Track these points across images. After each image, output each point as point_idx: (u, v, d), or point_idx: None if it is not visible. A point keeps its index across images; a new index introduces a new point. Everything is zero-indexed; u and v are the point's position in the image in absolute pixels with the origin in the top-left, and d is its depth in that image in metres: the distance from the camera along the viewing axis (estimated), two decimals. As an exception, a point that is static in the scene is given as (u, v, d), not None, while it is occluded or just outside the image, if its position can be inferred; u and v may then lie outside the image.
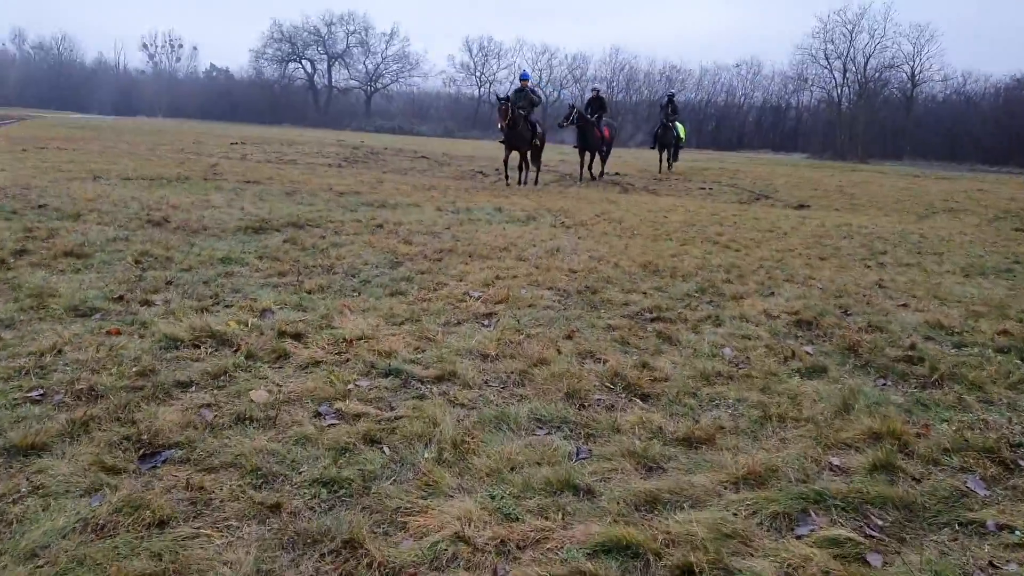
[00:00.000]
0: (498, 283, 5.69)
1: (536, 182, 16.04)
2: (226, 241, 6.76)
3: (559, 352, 4.09)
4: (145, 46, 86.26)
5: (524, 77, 15.73)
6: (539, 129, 15.34)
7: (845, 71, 58.51)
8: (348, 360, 3.79)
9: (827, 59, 58.72)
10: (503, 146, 15.47)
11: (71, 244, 6.04)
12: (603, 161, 19.35)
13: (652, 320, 4.95)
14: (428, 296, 5.20)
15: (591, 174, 18.43)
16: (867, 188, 20.40)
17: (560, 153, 25.23)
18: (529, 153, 15.63)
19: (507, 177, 15.44)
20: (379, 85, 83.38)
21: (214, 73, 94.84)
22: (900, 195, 18.85)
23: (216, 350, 3.81)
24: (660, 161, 21.94)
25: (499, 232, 8.42)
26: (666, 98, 22.42)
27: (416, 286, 5.47)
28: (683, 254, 7.67)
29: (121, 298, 4.64)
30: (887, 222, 12.48)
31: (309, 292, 5.07)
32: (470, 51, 74.70)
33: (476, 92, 73.99)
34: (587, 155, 17.98)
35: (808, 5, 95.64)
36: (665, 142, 21.61)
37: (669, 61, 73.63)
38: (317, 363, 3.71)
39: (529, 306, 5.08)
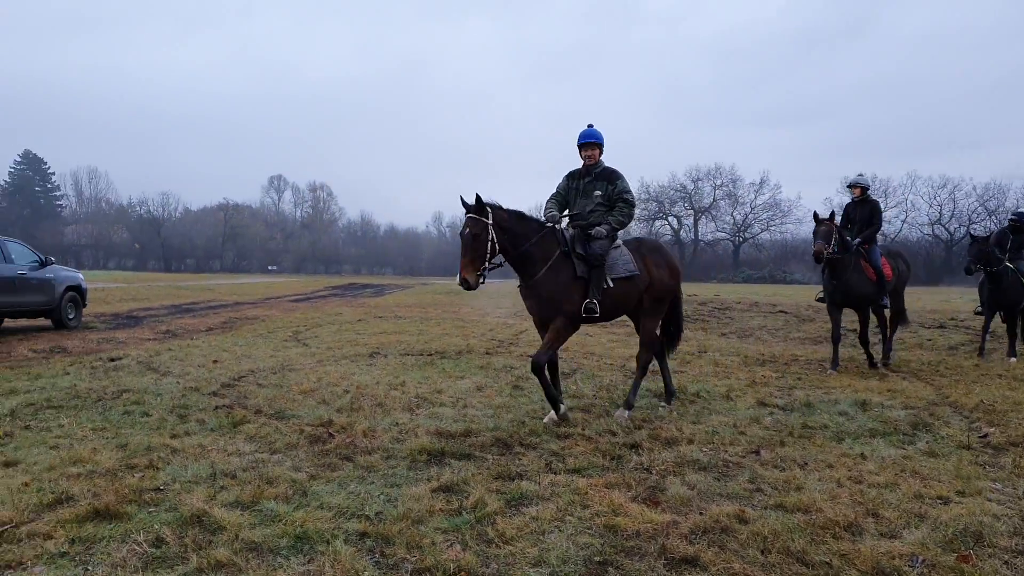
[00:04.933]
0: None
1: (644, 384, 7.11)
2: (364, 483, 4.27)
3: None
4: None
5: (591, 137, 6.39)
6: (626, 262, 6.21)
7: None
8: None
9: None
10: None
11: (134, 486, 4.10)
12: (888, 324, 10.16)
13: None
14: None
15: (873, 351, 9.81)
16: None
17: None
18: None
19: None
20: (748, 235, 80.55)
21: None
22: None
23: None
24: (984, 333, 11.06)
25: (849, 469, 4.63)
26: (1008, 222, 11.60)
27: None
28: None
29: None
30: None
31: None
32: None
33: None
34: (858, 312, 9.83)
35: None
36: (1004, 299, 10.71)
37: None
38: None
39: None
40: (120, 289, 28.96)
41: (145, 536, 3.37)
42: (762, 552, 3.29)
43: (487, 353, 10.47)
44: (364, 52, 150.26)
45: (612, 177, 6.36)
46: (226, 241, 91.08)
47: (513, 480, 4.35)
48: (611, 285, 6.06)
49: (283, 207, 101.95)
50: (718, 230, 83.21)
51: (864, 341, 9.59)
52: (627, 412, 6.22)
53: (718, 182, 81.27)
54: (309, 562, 3.21)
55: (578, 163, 6.52)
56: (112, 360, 9.39)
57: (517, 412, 6.32)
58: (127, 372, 8.37)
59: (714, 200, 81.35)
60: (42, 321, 15.09)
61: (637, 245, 6.57)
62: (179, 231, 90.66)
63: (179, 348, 10.89)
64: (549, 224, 6.10)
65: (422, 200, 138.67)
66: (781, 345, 11.92)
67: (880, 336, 10.28)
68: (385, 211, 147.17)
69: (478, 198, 5.62)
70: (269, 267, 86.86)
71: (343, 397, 6.98)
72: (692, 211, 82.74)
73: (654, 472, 4.53)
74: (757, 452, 4.99)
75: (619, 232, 6.38)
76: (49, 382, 7.64)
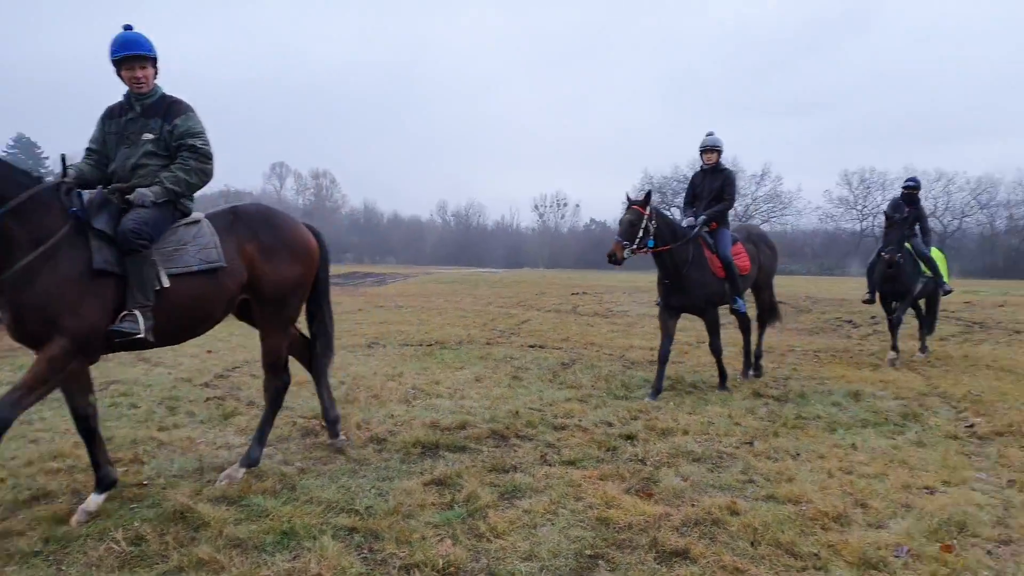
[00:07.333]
0: None
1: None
2: (356, 477, 4.22)
3: None
4: (536, 207, 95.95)
5: (135, 45, 3.81)
6: (204, 246, 3.88)
7: None
8: None
9: None
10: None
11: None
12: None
13: None
14: None
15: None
16: None
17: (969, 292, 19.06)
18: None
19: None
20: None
21: (592, 226, 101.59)
22: None
23: None
24: (892, 328, 9.20)
25: (840, 460, 4.58)
26: (900, 193, 9.66)
27: None
28: None
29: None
30: None
31: None
32: (849, 184, 67.75)
33: (857, 226, 66.41)
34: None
35: None
36: (896, 287, 9.11)
37: None
38: None
39: None
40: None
41: (124, 534, 3.32)
42: (752, 544, 3.25)
43: (487, 343, 10.42)
44: (368, 40, 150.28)
45: (172, 111, 3.95)
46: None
47: (507, 472, 4.31)
48: (166, 285, 3.71)
49: (285, 194, 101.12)
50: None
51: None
52: (242, 470, 4.20)
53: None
54: (295, 558, 3.15)
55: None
56: (107, 352, 9.35)
57: (515, 403, 6.27)
58: (117, 362, 8.32)
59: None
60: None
61: (232, 219, 4.13)
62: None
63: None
64: (50, 182, 3.56)
65: (426, 189, 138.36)
66: (778, 337, 11.86)
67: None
68: (389, 200, 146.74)
69: None
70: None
71: (338, 388, 6.91)
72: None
73: (648, 463, 4.49)
74: (751, 443, 4.95)
75: (193, 197, 4.06)
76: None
